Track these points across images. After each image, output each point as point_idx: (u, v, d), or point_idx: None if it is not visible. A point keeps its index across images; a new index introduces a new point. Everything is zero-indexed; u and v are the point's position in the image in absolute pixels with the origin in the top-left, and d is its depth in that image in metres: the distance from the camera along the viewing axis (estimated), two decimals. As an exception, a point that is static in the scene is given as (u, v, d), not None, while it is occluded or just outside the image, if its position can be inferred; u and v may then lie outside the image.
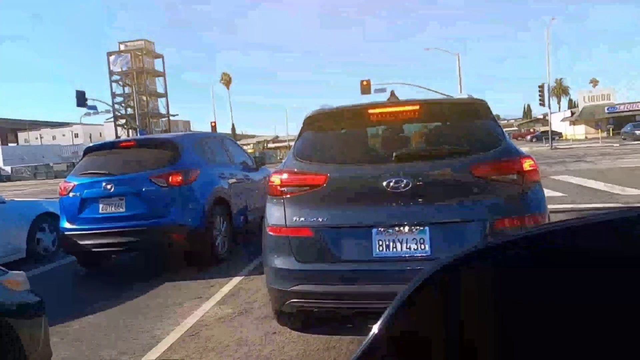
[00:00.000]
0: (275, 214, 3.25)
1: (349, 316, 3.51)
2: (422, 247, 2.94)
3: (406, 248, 2.96)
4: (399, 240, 2.97)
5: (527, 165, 3.06)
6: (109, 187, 5.79)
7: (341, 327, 3.72)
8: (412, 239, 2.96)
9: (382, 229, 2.99)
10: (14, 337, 2.67)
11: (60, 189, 6.18)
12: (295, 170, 3.30)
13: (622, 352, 0.54)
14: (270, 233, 3.26)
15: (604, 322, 0.55)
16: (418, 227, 2.96)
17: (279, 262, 3.18)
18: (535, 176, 3.09)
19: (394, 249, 2.97)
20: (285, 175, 3.29)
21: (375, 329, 0.60)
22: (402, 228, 2.97)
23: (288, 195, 3.23)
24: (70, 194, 6.01)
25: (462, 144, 3.29)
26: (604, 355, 0.54)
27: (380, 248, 2.98)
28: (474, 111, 3.48)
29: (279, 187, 3.27)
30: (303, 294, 3.11)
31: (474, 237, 2.90)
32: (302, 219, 3.13)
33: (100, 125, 76.54)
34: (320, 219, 3.09)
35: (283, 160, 3.71)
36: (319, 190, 3.16)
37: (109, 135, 60.53)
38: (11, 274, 2.89)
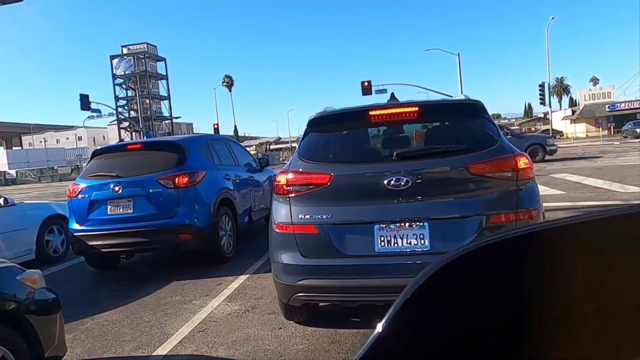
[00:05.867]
0: (281, 212, 3.37)
1: (353, 309, 3.63)
2: (422, 242, 3.06)
3: (407, 243, 3.08)
4: (399, 235, 3.09)
5: (521, 162, 3.18)
6: (117, 189, 5.92)
7: (345, 321, 3.85)
8: (412, 235, 3.08)
9: (383, 225, 3.12)
10: (32, 333, 2.78)
11: (69, 191, 6.30)
12: (301, 170, 3.42)
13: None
14: (277, 230, 3.39)
15: (601, 318, 0.57)
16: (418, 223, 3.08)
17: (286, 257, 3.31)
18: (529, 173, 3.21)
19: (395, 244, 3.09)
20: (291, 175, 3.41)
21: (379, 327, 0.59)
22: (402, 224, 3.10)
23: (293, 194, 3.35)
24: (79, 196, 6.14)
25: (459, 143, 3.41)
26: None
27: (382, 243, 3.11)
28: (471, 111, 3.60)
29: (285, 187, 3.39)
30: (309, 287, 3.25)
31: (471, 232, 3.03)
32: (308, 216, 3.26)
33: (103, 128, 76.66)
34: (324, 217, 3.22)
35: (287, 161, 3.82)
36: (323, 189, 3.28)
37: (113, 139, 60.74)
38: (28, 272, 3.00)
